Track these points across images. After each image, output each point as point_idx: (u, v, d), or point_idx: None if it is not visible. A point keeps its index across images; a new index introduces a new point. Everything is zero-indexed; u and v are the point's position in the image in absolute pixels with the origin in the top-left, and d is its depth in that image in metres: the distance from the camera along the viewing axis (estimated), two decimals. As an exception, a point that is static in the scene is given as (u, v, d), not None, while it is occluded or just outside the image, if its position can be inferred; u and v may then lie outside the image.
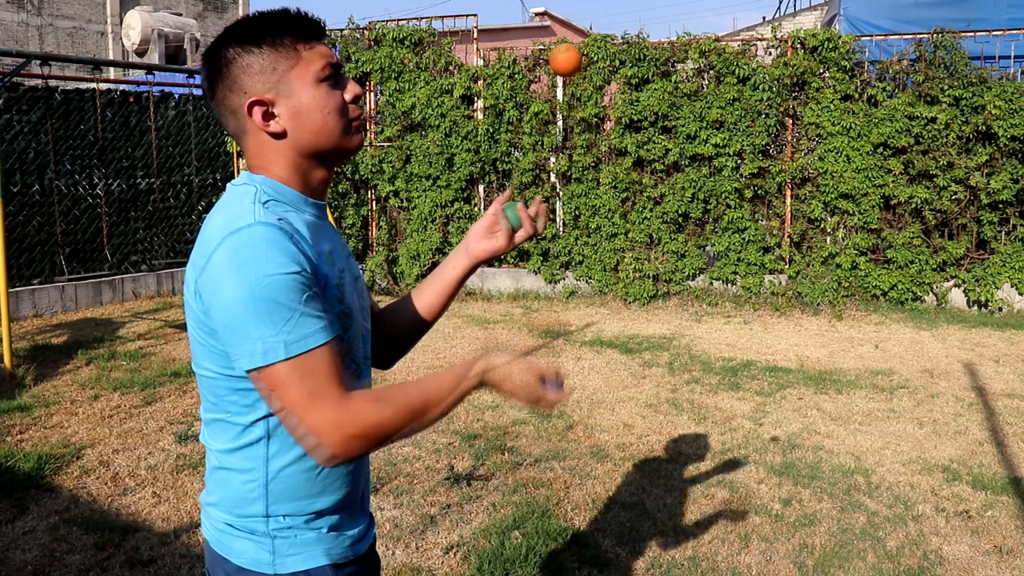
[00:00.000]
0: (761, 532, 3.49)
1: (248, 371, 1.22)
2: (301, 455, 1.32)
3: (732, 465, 4.21)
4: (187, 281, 1.29)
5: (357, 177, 9.17)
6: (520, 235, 1.63)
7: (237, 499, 1.33)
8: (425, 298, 1.63)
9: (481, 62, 8.82)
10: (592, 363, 6.15)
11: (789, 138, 8.17)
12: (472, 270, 1.65)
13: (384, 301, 8.73)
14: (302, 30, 1.34)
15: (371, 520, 1.49)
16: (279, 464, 1.31)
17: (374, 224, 9.32)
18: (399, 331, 1.63)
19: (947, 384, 5.60)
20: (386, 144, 9.10)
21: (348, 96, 1.36)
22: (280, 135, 1.33)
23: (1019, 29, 7.97)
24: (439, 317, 1.66)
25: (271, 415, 1.30)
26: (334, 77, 1.35)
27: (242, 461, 1.32)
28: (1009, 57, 7.88)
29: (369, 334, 1.48)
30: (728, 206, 8.16)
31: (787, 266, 8.19)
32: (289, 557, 1.33)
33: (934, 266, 7.83)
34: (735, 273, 8.26)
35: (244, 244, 1.19)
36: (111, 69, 17.20)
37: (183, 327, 7.31)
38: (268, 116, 1.32)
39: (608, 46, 8.39)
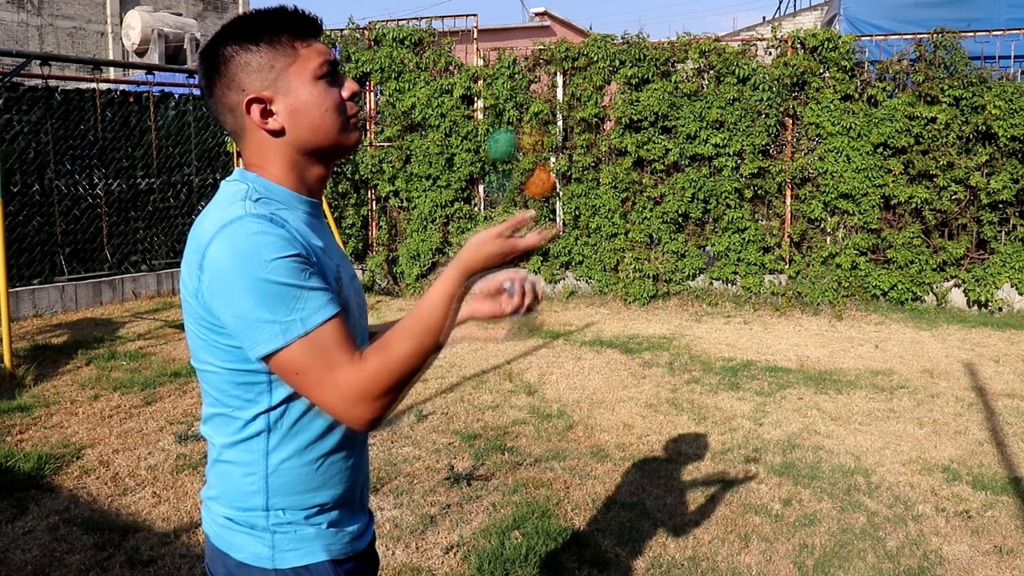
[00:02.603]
0: (761, 532, 3.49)
1: (265, 357, 1.22)
2: (301, 449, 1.33)
3: (732, 465, 4.21)
4: (183, 279, 1.30)
5: (357, 177, 9.17)
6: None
7: (237, 493, 1.34)
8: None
9: (481, 62, 8.82)
10: (592, 363, 6.14)
11: (789, 138, 8.17)
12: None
13: (384, 301, 8.73)
14: (299, 28, 1.34)
15: (370, 517, 1.49)
16: (279, 457, 1.32)
17: (374, 224, 9.32)
18: None
19: (947, 384, 5.60)
20: (386, 144, 9.10)
21: (345, 93, 1.37)
22: (278, 132, 1.33)
23: (1019, 29, 7.97)
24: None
25: (272, 409, 1.31)
26: (331, 74, 1.36)
27: (243, 455, 1.33)
28: (1009, 57, 7.88)
29: (366, 331, 1.49)
30: (728, 206, 8.16)
31: (787, 266, 8.19)
32: (289, 552, 1.33)
33: (934, 266, 7.83)
34: (735, 273, 8.26)
35: (239, 235, 1.20)
36: (111, 69, 17.20)
37: (183, 327, 7.30)
38: (266, 113, 1.32)
39: (608, 46, 8.39)
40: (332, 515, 1.38)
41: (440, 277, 1.29)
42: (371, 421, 1.22)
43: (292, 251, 1.21)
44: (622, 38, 8.46)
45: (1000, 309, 7.77)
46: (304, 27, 1.35)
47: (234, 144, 1.58)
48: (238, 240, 1.20)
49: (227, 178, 1.37)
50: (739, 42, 8.35)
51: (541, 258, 8.77)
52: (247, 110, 1.32)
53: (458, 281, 1.28)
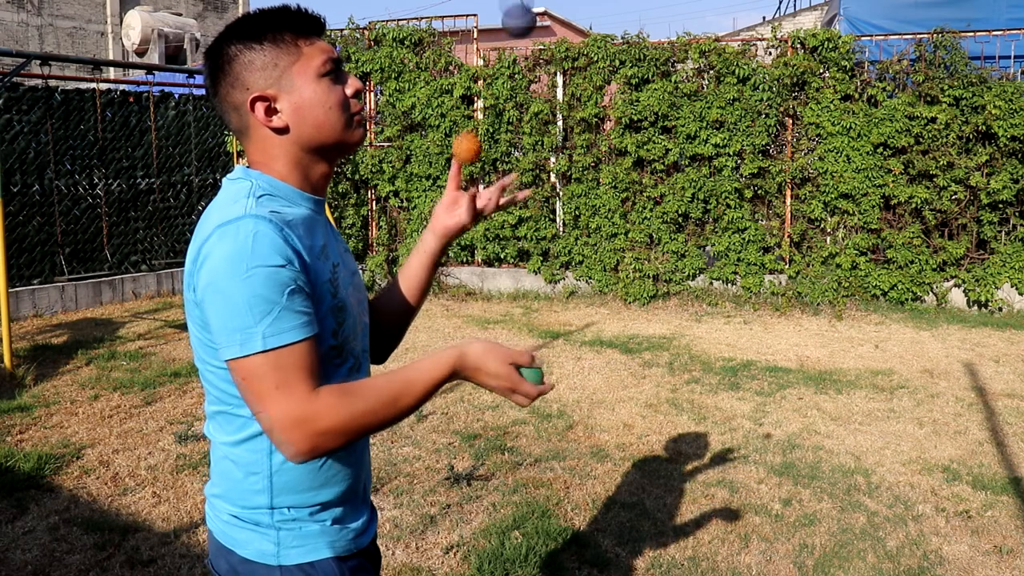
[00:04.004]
0: (761, 532, 3.49)
1: (227, 361, 1.23)
2: None
3: (732, 465, 4.21)
4: (185, 275, 1.31)
5: (357, 177, 9.17)
6: (489, 207, 1.66)
7: (242, 491, 1.35)
8: (407, 283, 1.65)
9: (481, 62, 8.82)
10: (592, 363, 6.14)
11: (789, 138, 8.17)
12: (443, 249, 1.66)
13: (384, 301, 8.72)
14: (302, 26, 1.35)
15: (373, 513, 1.50)
16: (282, 456, 1.32)
17: (374, 224, 9.32)
18: (389, 319, 1.64)
19: (947, 384, 5.60)
20: (386, 144, 9.10)
21: (349, 91, 1.37)
22: (282, 130, 1.34)
23: (1019, 29, 7.97)
24: (422, 301, 1.68)
25: None
26: (335, 72, 1.36)
27: (246, 454, 1.33)
28: (1009, 57, 7.88)
29: (367, 328, 1.49)
30: (728, 206, 8.16)
31: (787, 266, 8.19)
32: (293, 549, 1.34)
33: (934, 266, 7.83)
34: (735, 273, 8.26)
35: (232, 235, 1.21)
36: (111, 69, 17.20)
37: (183, 327, 7.31)
38: (270, 112, 1.33)
39: (608, 46, 8.39)
40: (336, 512, 1.39)
41: (435, 359, 1.29)
42: (299, 453, 1.20)
43: (280, 262, 1.21)
44: (622, 38, 8.46)
45: (1000, 309, 7.77)
46: (307, 25, 1.35)
47: (238, 143, 1.59)
48: (229, 241, 1.21)
49: (229, 176, 1.37)
50: (739, 42, 8.35)
51: (541, 258, 8.78)
52: (251, 108, 1.32)
53: (448, 375, 1.29)
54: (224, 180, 1.37)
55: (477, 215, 1.65)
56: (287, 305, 1.20)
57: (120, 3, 18.11)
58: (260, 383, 1.20)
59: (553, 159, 8.69)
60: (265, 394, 1.20)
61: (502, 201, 1.67)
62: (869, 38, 8.24)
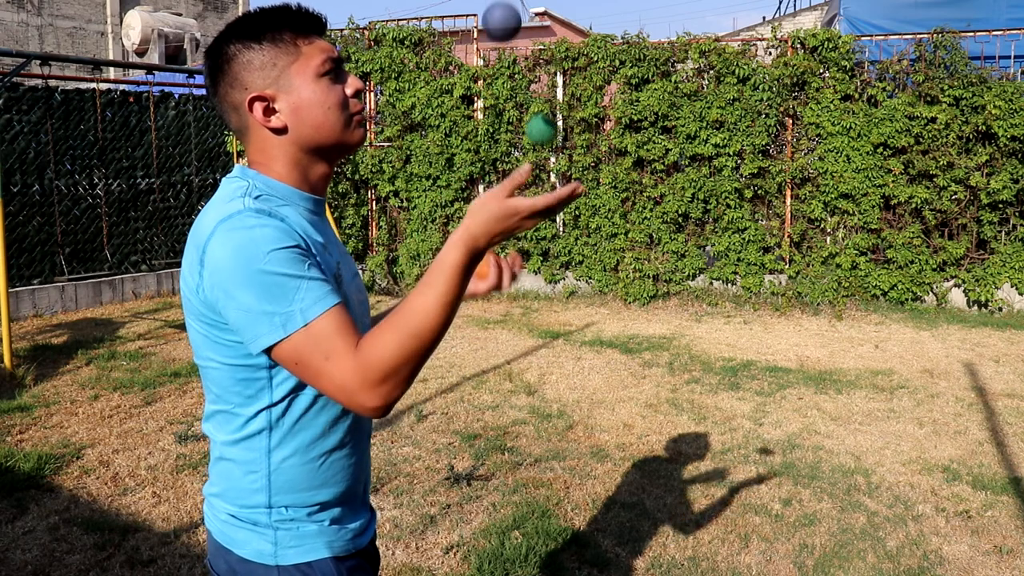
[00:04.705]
0: (761, 532, 3.49)
1: (268, 349, 1.21)
2: (303, 447, 1.33)
3: (732, 465, 4.20)
4: (183, 276, 1.30)
5: (357, 177, 9.16)
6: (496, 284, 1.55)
7: (240, 490, 1.35)
8: None
9: (481, 62, 8.82)
10: (592, 363, 6.14)
11: (789, 138, 8.17)
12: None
13: (384, 301, 8.73)
14: (302, 25, 1.35)
15: (372, 514, 1.50)
16: (281, 455, 1.33)
17: (374, 224, 9.32)
18: None
19: (947, 384, 5.60)
20: (386, 144, 9.10)
21: (349, 90, 1.37)
22: (281, 131, 1.33)
23: (1019, 29, 7.97)
24: None
25: (273, 405, 1.31)
26: (335, 72, 1.35)
27: (245, 452, 1.33)
28: (1009, 57, 7.88)
29: (368, 329, 1.48)
30: (728, 206, 8.16)
31: (787, 266, 8.19)
32: (291, 549, 1.34)
33: (934, 266, 7.83)
34: (735, 273, 8.26)
35: (237, 228, 1.20)
36: (111, 69, 17.19)
37: (183, 327, 7.31)
38: (269, 112, 1.33)
39: (608, 46, 8.39)
40: (334, 512, 1.38)
41: (445, 247, 1.21)
42: (376, 408, 1.18)
43: (290, 242, 1.21)
44: (622, 38, 8.46)
45: (1000, 309, 7.77)
46: (307, 24, 1.35)
47: (239, 142, 1.58)
48: (236, 234, 1.20)
49: (227, 175, 1.37)
50: (739, 42, 8.35)
51: (541, 258, 8.78)
52: (250, 108, 1.32)
53: (465, 251, 1.20)
54: (222, 180, 1.37)
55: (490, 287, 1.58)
56: (311, 276, 1.20)
57: (120, 3, 18.11)
58: (311, 359, 1.18)
59: (553, 159, 8.69)
60: (320, 369, 1.18)
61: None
62: (869, 38, 8.24)
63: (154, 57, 17.17)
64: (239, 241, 1.19)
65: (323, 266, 1.28)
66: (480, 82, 8.71)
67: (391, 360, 1.17)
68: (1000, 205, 7.71)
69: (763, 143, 8.07)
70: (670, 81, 8.24)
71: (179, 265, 9.33)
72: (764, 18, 23.73)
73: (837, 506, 3.74)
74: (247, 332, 1.21)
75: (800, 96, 8.06)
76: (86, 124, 8.59)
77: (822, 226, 8.14)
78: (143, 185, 9.19)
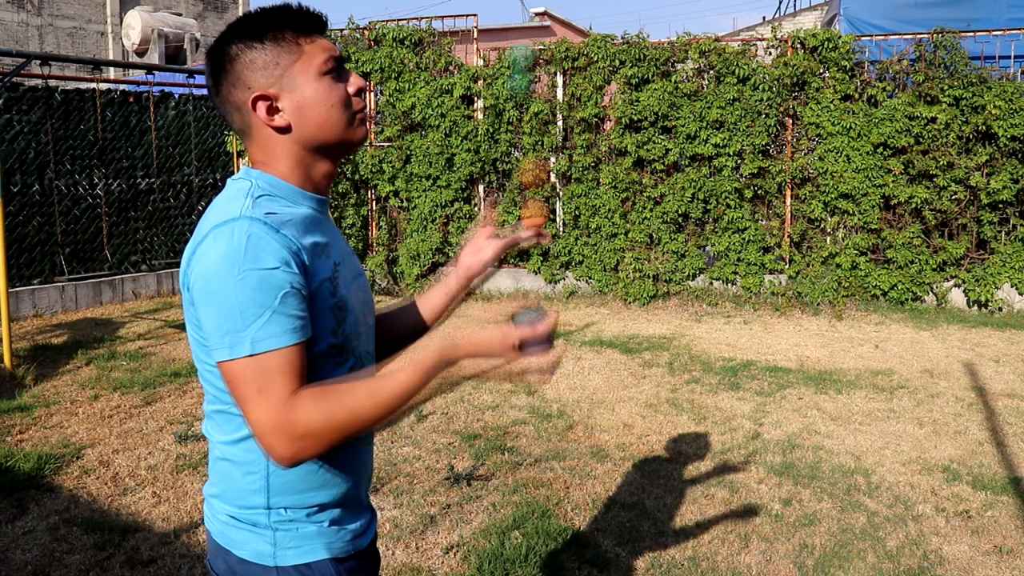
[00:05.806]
0: (761, 532, 3.49)
1: (217, 363, 1.23)
2: None
3: (732, 465, 4.20)
4: (180, 274, 1.32)
5: (357, 177, 9.16)
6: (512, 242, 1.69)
7: (239, 491, 1.34)
8: (426, 308, 1.67)
9: (481, 62, 8.82)
10: (592, 363, 6.14)
11: (789, 138, 8.17)
12: (464, 287, 1.68)
13: (384, 301, 8.73)
14: (303, 24, 1.35)
15: (372, 515, 1.50)
16: None
17: (374, 224, 9.32)
18: (391, 336, 1.64)
19: (947, 384, 5.60)
20: (386, 144, 9.10)
21: (351, 89, 1.37)
22: (284, 129, 1.33)
23: (1019, 29, 7.97)
24: (436, 326, 1.69)
25: None
26: (337, 70, 1.36)
27: (243, 453, 1.33)
28: (1009, 57, 7.88)
29: (372, 330, 1.48)
30: (728, 206, 8.16)
31: (787, 266, 8.19)
32: (290, 550, 1.34)
33: (934, 266, 7.83)
34: (735, 273, 8.26)
35: (226, 237, 1.21)
36: (111, 69, 17.19)
37: (183, 327, 7.31)
38: (272, 111, 1.33)
39: (608, 46, 8.39)
40: (334, 513, 1.38)
41: (425, 359, 1.24)
42: (283, 458, 1.20)
43: (274, 264, 1.20)
44: (622, 38, 8.46)
45: (1000, 309, 7.77)
46: (308, 23, 1.35)
47: (241, 142, 1.59)
48: (223, 243, 1.21)
49: (232, 176, 1.37)
50: (739, 42, 8.35)
51: (541, 258, 8.78)
52: (253, 108, 1.32)
53: (434, 361, 1.25)
54: (228, 181, 1.37)
55: (502, 253, 1.68)
56: (279, 309, 1.20)
57: (120, 3, 18.11)
58: (244, 387, 1.20)
59: (553, 159, 8.69)
60: (249, 398, 1.20)
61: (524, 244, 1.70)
62: (869, 38, 8.24)
63: (154, 57, 17.17)
64: (224, 250, 1.20)
65: (316, 271, 1.28)
66: (480, 82, 8.71)
67: (317, 424, 1.19)
68: (1000, 205, 7.71)
69: (763, 143, 8.07)
70: (670, 81, 8.24)
71: (179, 265, 9.33)
72: (764, 18, 23.74)
73: (837, 506, 3.74)
74: (209, 340, 1.23)
75: (800, 96, 8.06)
76: (86, 124, 8.59)
77: (822, 226, 8.14)
78: (143, 185, 9.19)
